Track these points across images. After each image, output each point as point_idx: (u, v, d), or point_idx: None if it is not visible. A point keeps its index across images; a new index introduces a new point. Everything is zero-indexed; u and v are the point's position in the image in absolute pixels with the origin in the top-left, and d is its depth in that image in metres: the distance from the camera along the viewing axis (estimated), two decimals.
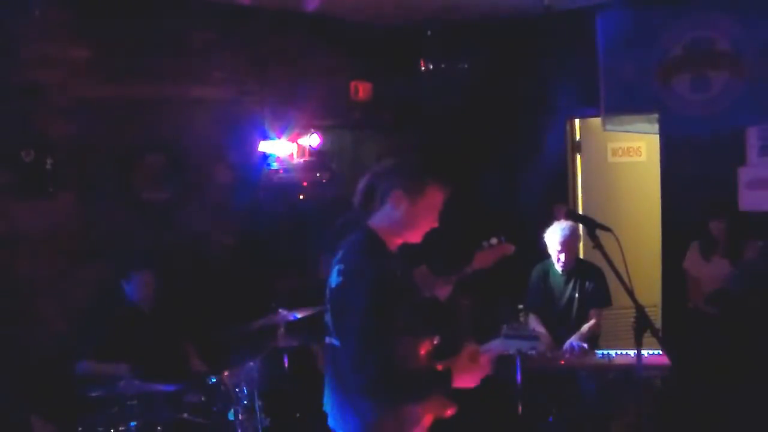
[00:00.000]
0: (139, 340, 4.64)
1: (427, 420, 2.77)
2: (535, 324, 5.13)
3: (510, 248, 3.83)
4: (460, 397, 2.79)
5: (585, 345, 4.88)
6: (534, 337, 4.71)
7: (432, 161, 2.94)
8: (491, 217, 5.76)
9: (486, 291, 5.60)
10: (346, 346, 2.64)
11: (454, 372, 2.71)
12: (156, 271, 4.94)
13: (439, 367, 2.76)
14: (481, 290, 5.55)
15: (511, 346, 4.55)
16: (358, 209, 2.82)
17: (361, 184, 2.83)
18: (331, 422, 2.81)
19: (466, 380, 2.76)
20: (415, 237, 2.84)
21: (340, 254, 2.77)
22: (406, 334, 2.66)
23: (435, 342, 2.80)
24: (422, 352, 2.75)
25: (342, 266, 2.71)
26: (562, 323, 5.11)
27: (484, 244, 3.81)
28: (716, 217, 5.50)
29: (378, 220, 2.79)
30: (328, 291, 2.76)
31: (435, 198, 2.80)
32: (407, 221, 2.77)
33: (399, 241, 2.83)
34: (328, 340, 2.76)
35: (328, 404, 2.82)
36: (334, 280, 2.72)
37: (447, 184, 2.82)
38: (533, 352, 4.67)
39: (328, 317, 2.76)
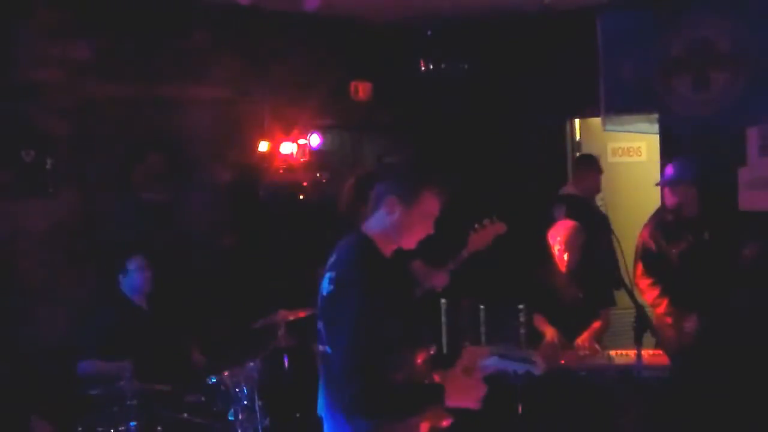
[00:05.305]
0: (139, 339, 4.64)
1: (424, 429, 2.70)
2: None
3: (502, 227, 3.83)
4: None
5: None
6: (531, 361, 4.65)
7: (429, 166, 2.88)
8: (491, 217, 5.75)
9: (487, 291, 5.61)
10: (337, 356, 2.56)
11: (447, 387, 2.63)
12: (148, 257, 4.87)
13: (436, 377, 2.70)
14: (482, 290, 5.56)
15: (506, 366, 4.53)
16: (344, 214, 2.75)
17: (346, 189, 2.77)
18: (326, 429, 2.75)
19: (461, 398, 2.67)
20: (409, 243, 2.75)
21: (332, 259, 2.69)
22: (402, 343, 2.58)
23: (431, 351, 2.73)
24: (419, 361, 2.69)
25: (333, 274, 2.62)
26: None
27: (476, 225, 3.81)
28: (752, 241, 5.28)
29: (372, 226, 2.71)
30: (319, 298, 2.68)
31: (430, 205, 2.71)
32: (401, 228, 2.69)
33: (393, 247, 2.74)
34: (321, 347, 2.69)
35: (322, 410, 2.75)
36: (325, 287, 2.64)
37: (443, 191, 2.73)
38: (527, 372, 4.60)
39: (320, 324, 2.69)
